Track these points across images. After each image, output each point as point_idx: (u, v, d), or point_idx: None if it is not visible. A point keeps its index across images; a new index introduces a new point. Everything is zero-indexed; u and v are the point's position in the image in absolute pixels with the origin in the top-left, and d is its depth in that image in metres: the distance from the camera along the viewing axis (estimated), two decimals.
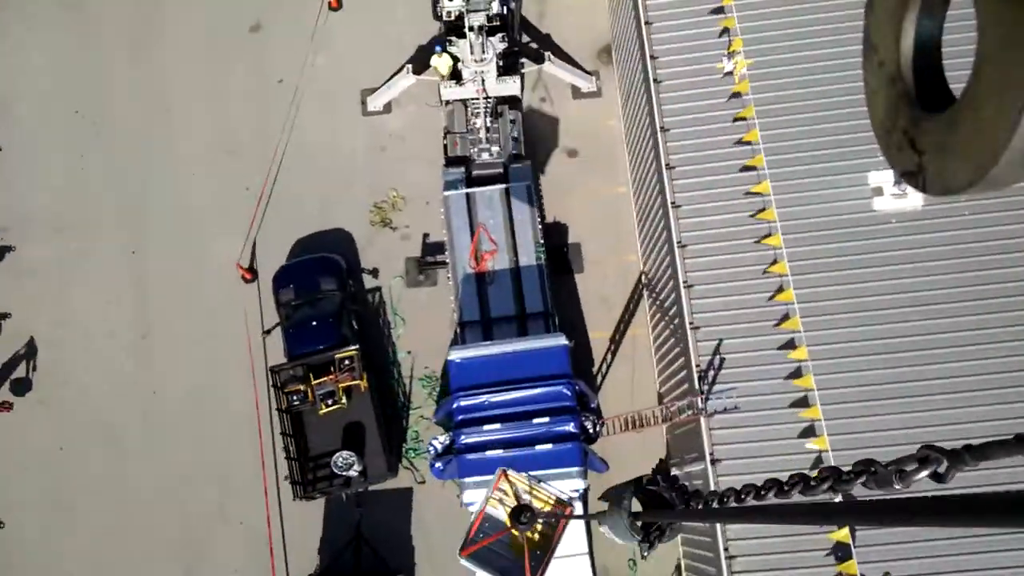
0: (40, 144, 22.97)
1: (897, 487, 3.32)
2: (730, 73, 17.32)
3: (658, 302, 19.06)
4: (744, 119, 16.99)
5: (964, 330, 15.44)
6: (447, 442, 17.21)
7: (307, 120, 23.00)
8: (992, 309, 15.51)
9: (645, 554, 8.48)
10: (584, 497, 16.57)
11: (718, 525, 14.71)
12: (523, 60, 21.84)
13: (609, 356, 20.88)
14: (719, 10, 17.78)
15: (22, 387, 20.92)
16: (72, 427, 20.71)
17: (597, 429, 18.19)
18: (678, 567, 19.28)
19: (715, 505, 5.96)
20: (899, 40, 2.10)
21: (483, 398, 16.34)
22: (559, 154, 22.63)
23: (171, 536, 19.86)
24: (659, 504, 7.67)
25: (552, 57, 21.86)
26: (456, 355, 16.85)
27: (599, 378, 20.71)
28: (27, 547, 19.81)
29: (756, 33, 17.55)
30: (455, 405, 16.43)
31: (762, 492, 5.09)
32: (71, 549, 19.78)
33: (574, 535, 16.36)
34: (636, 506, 7.80)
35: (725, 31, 17.68)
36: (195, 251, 21.96)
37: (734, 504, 5.60)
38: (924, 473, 3.21)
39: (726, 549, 14.63)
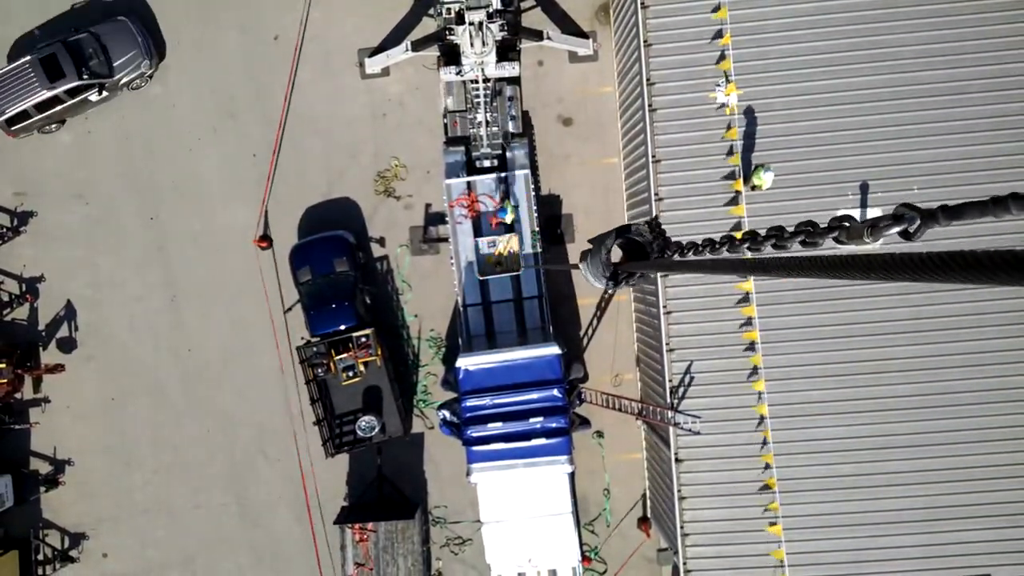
0: None
1: (867, 240, 3.31)
2: (723, 105, 18.23)
3: (642, 295, 21.37)
4: (731, 153, 18.26)
5: (919, 356, 18.18)
6: (454, 420, 20.33)
7: (306, 83, 23.25)
8: (950, 339, 18.14)
9: (610, 291, 9.39)
10: (571, 478, 20.14)
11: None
12: (522, 38, 21.83)
13: (595, 321, 23.51)
14: (718, 34, 18.21)
15: (68, 346, 23.28)
16: (120, 380, 23.45)
17: (581, 400, 21.43)
18: (644, 495, 23.61)
19: (690, 256, 5.95)
20: None
21: (487, 400, 19.24)
22: (554, 123, 23.43)
23: (219, 471, 23.52)
24: (638, 251, 8.89)
25: (551, 34, 21.90)
26: (465, 363, 19.41)
27: (585, 340, 23.52)
28: (97, 484, 23.42)
29: (750, 61, 18.20)
30: (463, 405, 19.34)
31: (737, 244, 5.00)
32: (136, 484, 23.46)
33: (559, 495, 20.13)
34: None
35: (721, 57, 18.25)
36: (210, 218, 23.31)
37: (709, 255, 5.38)
38: (895, 229, 3.19)
39: (682, 527, 18.52)
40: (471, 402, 19.32)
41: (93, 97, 22.12)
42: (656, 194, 18.74)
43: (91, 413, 23.41)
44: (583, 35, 23.06)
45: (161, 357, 23.44)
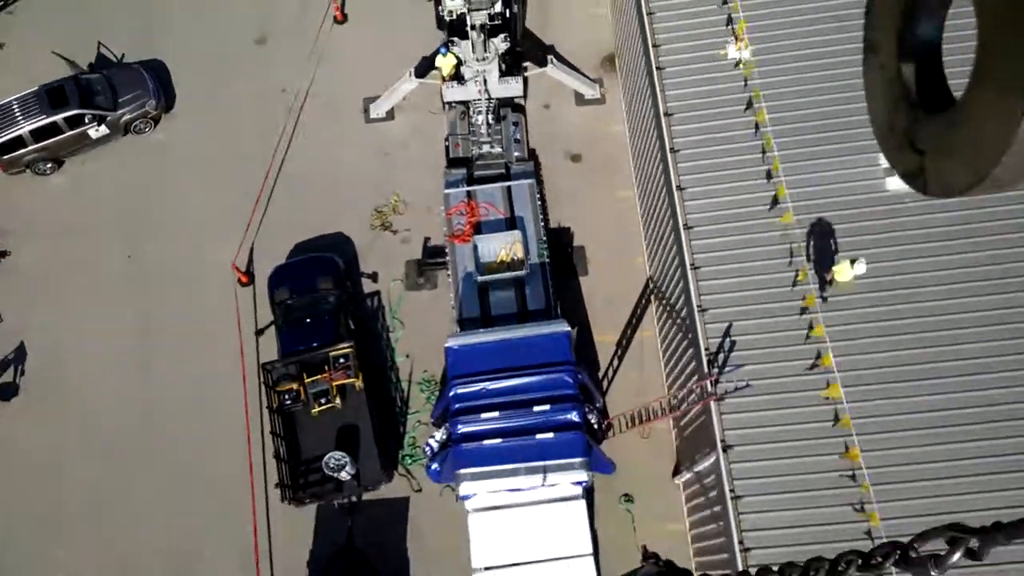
0: None
1: (933, 574, 3.26)
2: (736, 61, 17.07)
3: (665, 299, 18.36)
4: (751, 105, 16.66)
5: (980, 310, 14.67)
6: (444, 437, 16.29)
7: (310, 127, 22.91)
8: (1008, 288, 14.79)
9: None
10: (588, 493, 15.54)
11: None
12: (526, 64, 21.73)
13: (616, 361, 20.05)
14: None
15: (8, 392, 20.22)
16: (62, 433, 19.90)
17: (603, 428, 17.29)
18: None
19: None
20: (899, 42, 2.07)
21: (480, 385, 15.53)
22: (562, 160, 22.30)
23: (160, 545, 18.79)
24: None
25: (555, 60, 21.76)
26: (454, 342, 16.13)
27: (605, 382, 19.85)
28: (17, 555, 18.79)
29: (760, 21, 17.41)
30: (451, 393, 15.61)
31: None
32: (60, 558, 18.74)
33: (577, 535, 15.29)
34: None
35: (728, 20, 17.52)
36: (193, 256, 21.53)
37: None
38: (957, 555, 3.17)
39: (741, 542, 13.56)
40: (461, 388, 15.58)
41: (93, 132, 21.81)
42: (678, 185, 16.64)
43: (22, 469, 19.53)
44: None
45: (112, 406, 20.07)
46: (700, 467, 16.02)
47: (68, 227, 22.10)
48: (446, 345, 16.21)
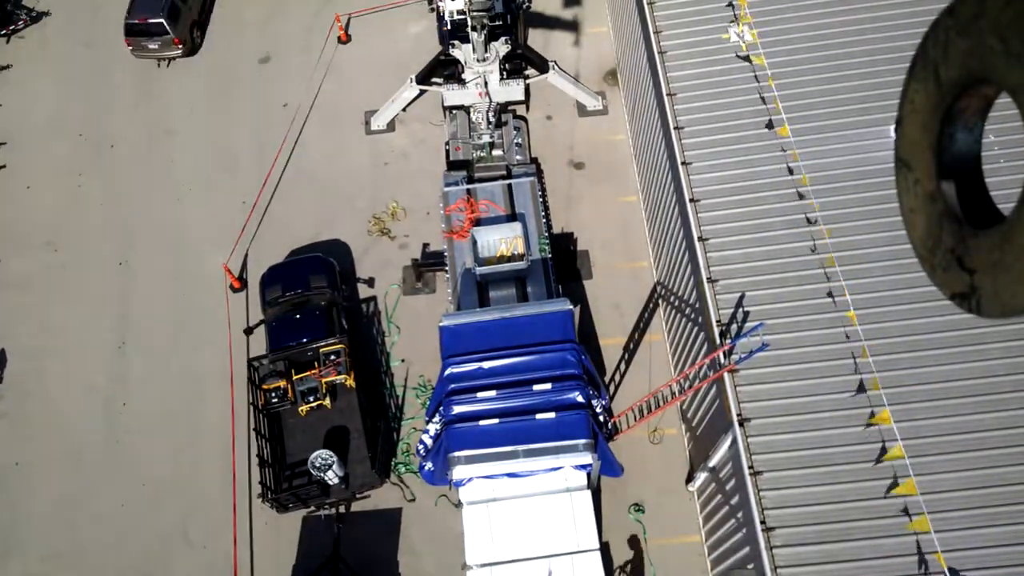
0: (43, 164, 22.73)
1: None
2: (737, 43, 16.77)
3: (673, 296, 17.45)
4: (756, 77, 16.23)
5: None
6: (437, 429, 15.10)
7: (310, 139, 22.69)
8: None
9: None
10: (591, 481, 14.19)
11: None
12: (528, 71, 21.56)
13: (623, 364, 18.97)
14: None
15: None
16: (33, 442, 18.83)
17: (609, 427, 16.05)
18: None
19: None
20: (935, 158, 2.01)
21: (476, 365, 14.48)
22: (565, 167, 21.87)
23: (126, 563, 17.36)
24: None
25: (557, 66, 21.62)
26: (448, 321, 15.18)
27: (612, 387, 18.70)
28: None
29: (762, 7, 17.22)
30: (445, 372, 14.55)
31: None
32: (19, 574, 17.32)
33: (583, 528, 13.89)
34: None
35: (730, 4, 17.33)
36: (185, 263, 20.95)
37: None
38: None
39: (763, 521, 12.18)
40: (455, 368, 14.51)
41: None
42: (683, 161, 16.05)
43: None
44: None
45: (88, 414, 19.05)
46: (715, 459, 14.73)
47: (58, 234, 21.62)
48: (440, 324, 15.26)
